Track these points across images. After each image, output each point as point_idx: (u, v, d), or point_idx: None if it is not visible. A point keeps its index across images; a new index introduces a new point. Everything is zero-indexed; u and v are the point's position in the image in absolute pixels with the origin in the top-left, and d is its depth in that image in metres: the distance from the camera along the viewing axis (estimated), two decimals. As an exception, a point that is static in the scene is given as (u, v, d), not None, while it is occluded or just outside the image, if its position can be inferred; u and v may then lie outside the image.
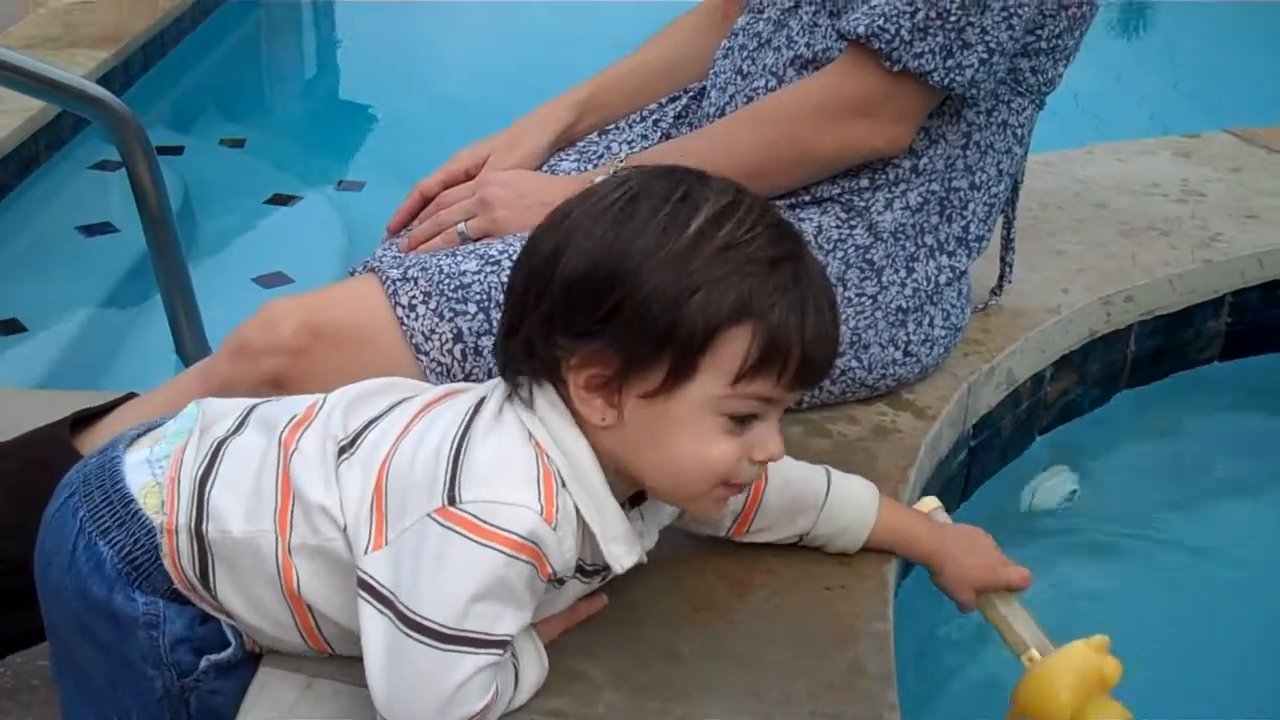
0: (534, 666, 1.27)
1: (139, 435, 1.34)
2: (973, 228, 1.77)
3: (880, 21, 1.57)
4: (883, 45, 1.58)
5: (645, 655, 1.35)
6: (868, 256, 1.71)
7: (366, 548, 1.19)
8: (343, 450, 1.25)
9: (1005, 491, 2.07)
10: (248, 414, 1.32)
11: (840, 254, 1.70)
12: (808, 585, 1.46)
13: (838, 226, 1.70)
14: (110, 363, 2.72)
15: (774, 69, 1.74)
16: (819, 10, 1.71)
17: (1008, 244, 1.95)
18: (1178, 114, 3.90)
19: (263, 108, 4.56)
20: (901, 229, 1.72)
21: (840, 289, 1.70)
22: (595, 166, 1.84)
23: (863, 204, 1.71)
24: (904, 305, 1.74)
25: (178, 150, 3.69)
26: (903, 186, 1.71)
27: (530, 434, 1.19)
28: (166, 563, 1.26)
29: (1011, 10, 1.59)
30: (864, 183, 1.71)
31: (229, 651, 1.29)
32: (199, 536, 1.25)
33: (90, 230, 3.24)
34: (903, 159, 1.70)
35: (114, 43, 4.12)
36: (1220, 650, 1.81)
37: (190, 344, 2.38)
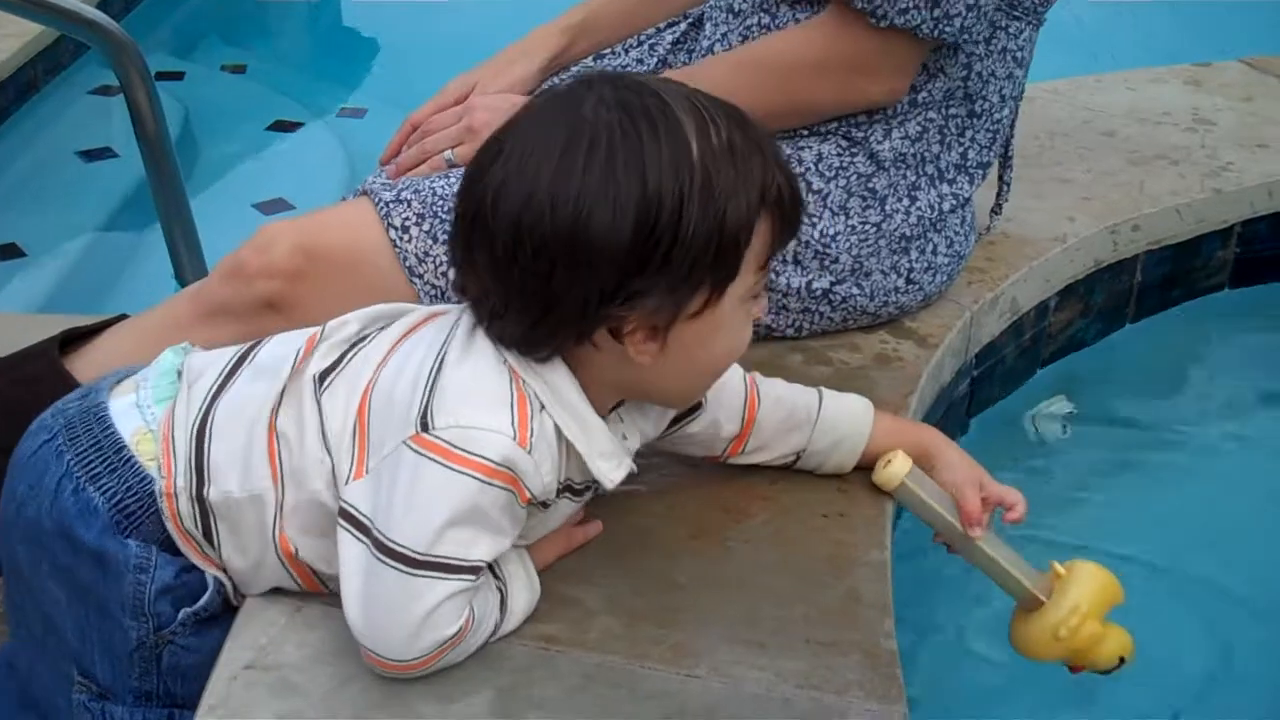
0: (524, 592, 1.27)
1: (119, 380, 1.32)
2: (972, 154, 1.75)
3: None
4: (865, 4, 1.55)
5: (640, 582, 1.35)
6: (870, 185, 1.69)
7: (348, 477, 1.19)
8: (323, 377, 1.24)
9: (1007, 421, 2.06)
10: (239, 360, 1.30)
11: (842, 181, 1.68)
12: (805, 513, 1.45)
13: (839, 155, 1.69)
14: (109, 288, 2.71)
15: (765, 5, 1.72)
16: None
17: (1006, 161, 1.93)
18: (1188, 43, 3.85)
19: (265, 34, 4.50)
20: (902, 158, 1.70)
21: (843, 217, 1.68)
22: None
23: (861, 135, 1.69)
24: (907, 233, 1.72)
25: (178, 76, 3.66)
26: (901, 118, 1.69)
27: (504, 358, 1.18)
28: (169, 524, 1.25)
29: None
30: (861, 117, 1.69)
31: (203, 600, 1.28)
32: (200, 499, 1.24)
33: (90, 155, 3.22)
34: None
35: (115, -35, 4.08)
36: (1226, 578, 1.81)
37: (189, 269, 2.37)
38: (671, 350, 1.18)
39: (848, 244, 1.68)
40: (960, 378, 1.91)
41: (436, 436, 1.14)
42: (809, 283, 1.69)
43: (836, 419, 1.46)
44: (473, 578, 1.18)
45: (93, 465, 1.25)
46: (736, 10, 1.77)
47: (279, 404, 1.24)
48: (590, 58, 1.92)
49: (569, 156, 1.12)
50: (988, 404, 2.04)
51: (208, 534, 1.25)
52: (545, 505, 1.24)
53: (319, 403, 1.22)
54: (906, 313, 1.80)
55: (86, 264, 2.79)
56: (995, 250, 2.01)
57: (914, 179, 1.72)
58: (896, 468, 1.44)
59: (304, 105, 3.55)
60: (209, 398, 1.26)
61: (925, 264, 1.76)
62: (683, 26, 1.91)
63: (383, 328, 1.28)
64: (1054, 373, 2.17)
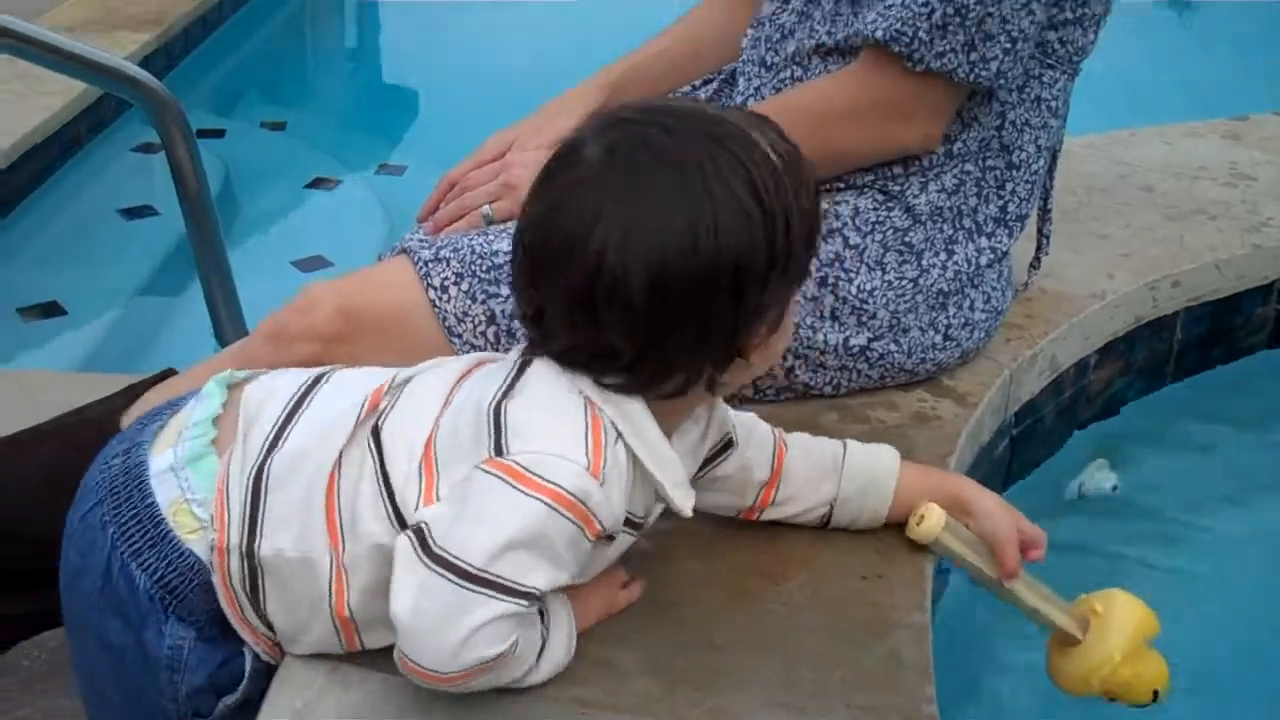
0: (562, 646, 1.26)
1: (161, 424, 1.32)
2: (1011, 207, 1.75)
3: (898, 25, 1.55)
4: (902, 48, 1.55)
5: (678, 644, 1.34)
6: (906, 239, 1.69)
7: (417, 504, 1.19)
8: (379, 422, 1.24)
9: (1047, 482, 2.05)
10: (297, 404, 1.28)
11: (879, 236, 1.68)
12: (843, 575, 1.44)
13: (875, 209, 1.69)
14: (149, 346, 2.72)
15: (798, 58, 1.73)
16: (840, 0, 1.69)
17: (1044, 215, 1.92)
18: (1224, 97, 3.84)
19: (304, 91, 4.56)
20: (939, 211, 1.70)
21: (880, 272, 1.68)
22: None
23: (898, 188, 1.69)
24: (944, 288, 1.71)
25: (219, 133, 3.70)
26: (936, 170, 1.69)
27: (579, 390, 1.18)
28: (216, 579, 1.25)
29: None
30: (897, 169, 1.69)
31: (242, 688, 1.28)
32: (249, 555, 1.23)
33: (131, 213, 3.26)
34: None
35: (156, 25, 4.13)
36: (1270, 646, 1.78)
37: (228, 328, 2.38)
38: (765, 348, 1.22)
39: (884, 299, 1.68)
40: (999, 437, 1.90)
41: (510, 460, 1.14)
42: (846, 339, 1.69)
43: (864, 464, 1.45)
44: (525, 604, 1.16)
45: (133, 539, 1.25)
46: (769, 64, 1.77)
47: (340, 461, 1.23)
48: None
49: (677, 189, 1.12)
50: (1028, 464, 2.03)
51: (254, 591, 1.25)
52: (611, 538, 1.23)
53: (378, 446, 1.22)
54: (944, 370, 1.79)
55: (126, 322, 2.81)
56: (1033, 306, 2.00)
57: (951, 233, 1.72)
58: (932, 522, 1.43)
59: (343, 162, 3.59)
60: (265, 449, 1.25)
61: (963, 320, 1.75)
62: (715, 83, 1.92)
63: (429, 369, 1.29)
64: (1094, 432, 2.15)
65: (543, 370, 1.20)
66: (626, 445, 1.18)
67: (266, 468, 1.24)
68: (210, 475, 1.26)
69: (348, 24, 5.60)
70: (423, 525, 1.16)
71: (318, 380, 1.31)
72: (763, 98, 1.76)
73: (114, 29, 4.07)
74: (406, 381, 1.27)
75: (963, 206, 1.72)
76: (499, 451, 1.15)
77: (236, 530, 1.23)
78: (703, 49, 1.96)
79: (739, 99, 1.82)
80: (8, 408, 1.82)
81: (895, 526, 1.48)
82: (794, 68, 1.74)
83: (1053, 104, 1.74)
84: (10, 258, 2.97)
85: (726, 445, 1.37)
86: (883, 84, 1.60)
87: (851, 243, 1.68)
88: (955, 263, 1.72)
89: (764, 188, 1.13)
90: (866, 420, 1.71)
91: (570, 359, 1.18)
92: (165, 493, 1.26)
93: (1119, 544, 1.96)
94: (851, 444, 1.46)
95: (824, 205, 1.65)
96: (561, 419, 1.17)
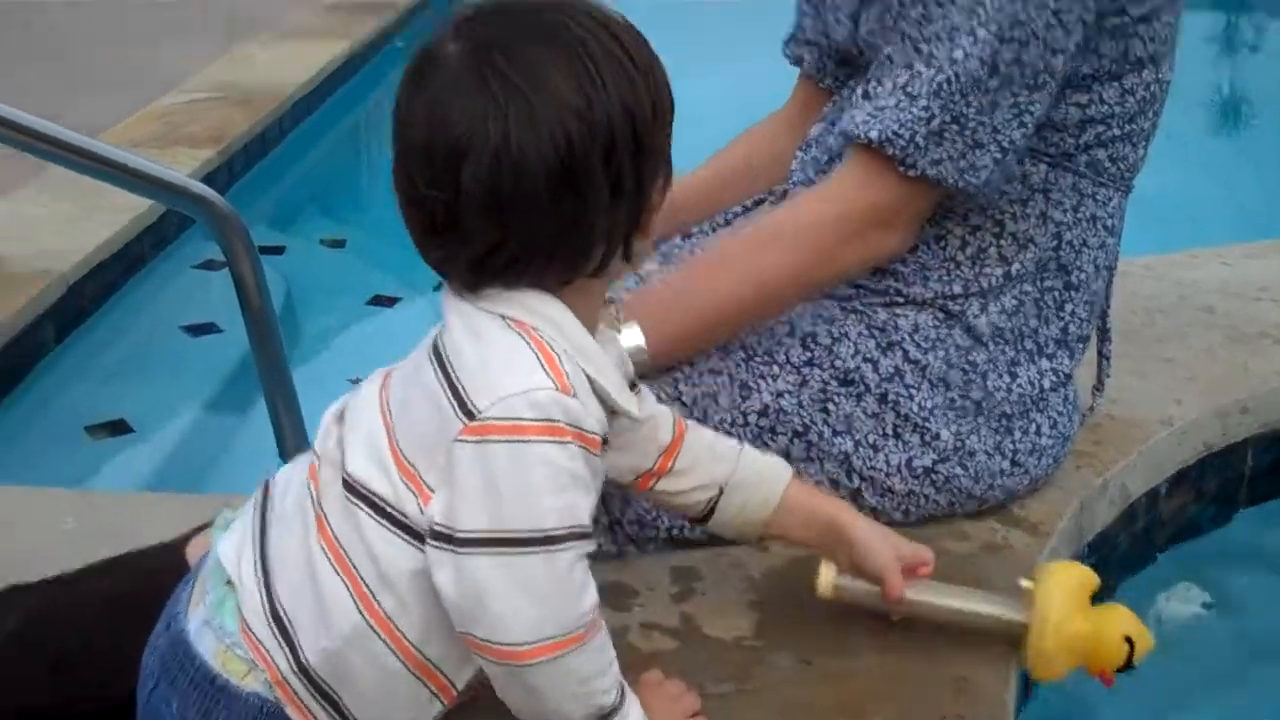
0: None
1: (191, 588, 1.32)
2: (1072, 328, 1.74)
3: (895, 127, 1.55)
4: (897, 152, 1.55)
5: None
6: (970, 358, 1.68)
7: (420, 508, 1.18)
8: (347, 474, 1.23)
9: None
10: (261, 528, 1.28)
11: (941, 353, 1.67)
12: (924, 713, 1.42)
13: (935, 326, 1.68)
14: (215, 463, 2.74)
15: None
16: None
17: (1104, 335, 1.91)
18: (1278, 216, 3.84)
19: (363, 208, 4.61)
20: (1000, 332, 1.70)
21: (943, 389, 1.67)
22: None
23: (958, 308, 1.69)
24: (1009, 411, 1.71)
25: (279, 250, 3.74)
26: (996, 291, 1.69)
27: (503, 317, 1.18)
28: (291, 711, 1.24)
29: (1022, 107, 1.56)
30: (957, 289, 1.69)
31: None
32: (304, 672, 1.23)
33: (194, 330, 3.29)
34: (994, 267, 1.69)
35: (216, 142, 4.20)
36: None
37: (292, 445, 2.39)
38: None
39: (946, 419, 1.67)
40: (1073, 567, 1.87)
41: (488, 418, 1.14)
42: (909, 459, 1.68)
43: (758, 459, 1.45)
44: (585, 541, 1.17)
45: (199, 704, 1.25)
46: (813, 179, 1.78)
47: (327, 527, 1.22)
48: (678, 237, 1.94)
49: (552, 56, 1.14)
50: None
51: (331, 702, 1.23)
52: (606, 442, 1.23)
53: (353, 485, 1.22)
54: (1014, 498, 1.78)
55: (192, 439, 2.83)
56: (1101, 432, 1.99)
57: (1013, 354, 1.71)
58: (824, 577, 1.46)
59: (402, 279, 3.61)
60: (260, 579, 1.25)
61: (1029, 445, 1.74)
62: (768, 203, 1.92)
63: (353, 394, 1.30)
64: (1169, 559, 2.12)
65: (462, 319, 1.19)
66: (570, 358, 1.19)
67: (274, 591, 1.24)
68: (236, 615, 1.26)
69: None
70: (437, 525, 1.15)
71: (266, 495, 1.32)
72: None
73: (174, 145, 4.14)
74: (342, 415, 1.28)
75: (1024, 328, 1.72)
76: (469, 415, 1.14)
77: (280, 657, 1.23)
78: (755, 169, 1.97)
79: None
80: (79, 530, 1.83)
81: (970, 659, 1.47)
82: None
83: (1108, 222, 1.74)
84: (77, 376, 2.99)
85: (632, 385, 1.35)
86: (875, 189, 1.59)
87: (912, 357, 1.67)
88: (1019, 385, 1.72)
89: (630, 42, 1.16)
90: (935, 550, 1.69)
91: (486, 265, 1.17)
92: (208, 647, 1.26)
93: (1206, 665, 1.93)
94: (746, 445, 1.47)
95: (883, 316, 1.65)
96: (509, 354, 1.16)
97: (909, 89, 1.54)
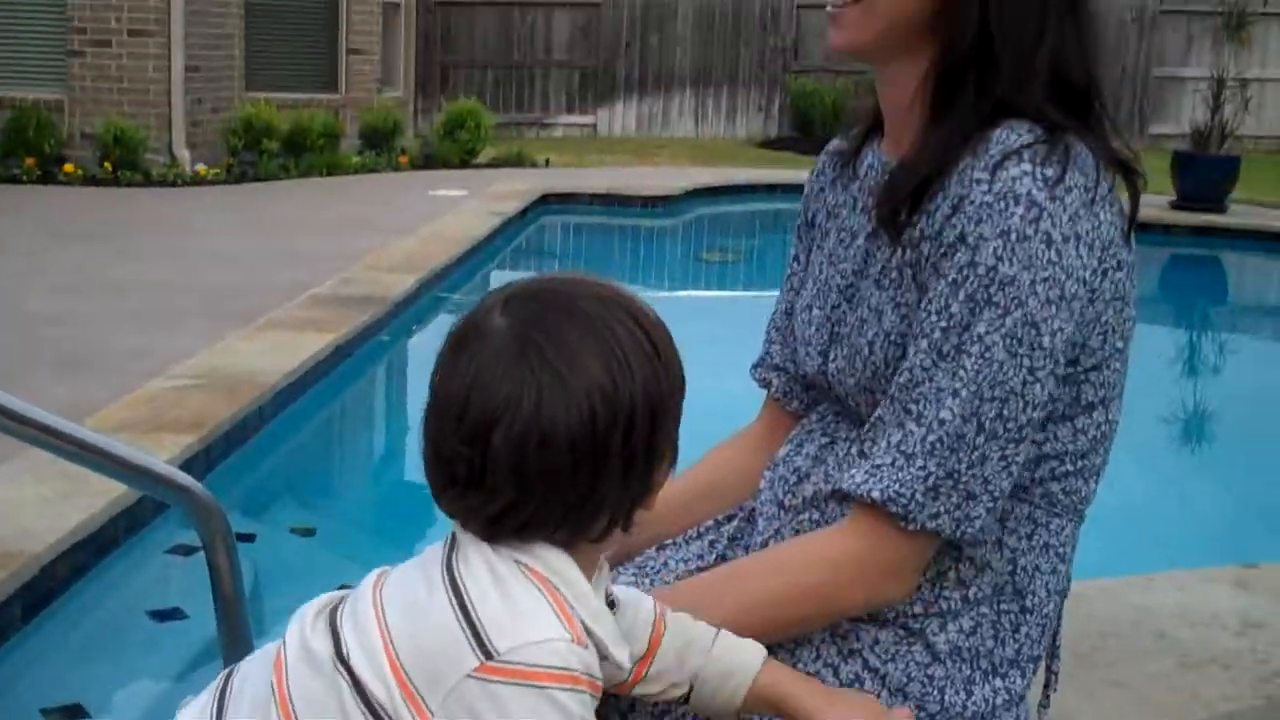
0: None
1: None
2: (1025, 649, 1.78)
3: (895, 487, 1.62)
4: (899, 509, 1.63)
5: None
6: (929, 672, 1.71)
7: None
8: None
9: None
10: (221, 702, 1.32)
11: (901, 665, 1.70)
12: None
13: (895, 642, 1.72)
14: (169, 754, 2.72)
15: (815, 501, 1.80)
16: (853, 446, 1.78)
17: (1053, 652, 1.95)
18: (1241, 535, 3.91)
19: (334, 496, 4.68)
20: (958, 650, 1.73)
21: (900, 699, 1.70)
22: (652, 583, 1.88)
23: (918, 626, 1.73)
24: (964, 729, 1.73)
25: (249, 538, 3.78)
26: (955, 613, 1.73)
27: (519, 564, 1.24)
28: None
29: (1009, 458, 1.64)
30: (918, 609, 1.73)
31: None
32: None
33: (160, 615, 3.30)
34: (953, 590, 1.73)
35: (198, 428, 4.29)
36: None
37: (252, 736, 2.38)
38: None
39: (905, 732, 1.69)
40: None
41: (505, 661, 1.18)
42: None
43: (731, 649, 1.50)
44: None
45: None
46: (786, 506, 1.85)
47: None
48: (653, 548, 2.00)
49: (585, 340, 1.24)
50: None
51: None
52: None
53: (351, 675, 1.24)
54: (967, 815, 1.78)
55: (148, 726, 2.82)
56: (1050, 755, 2.01)
57: (969, 672, 1.75)
58: None
59: (369, 568, 3.64)
60: None
61: (981, 761, 1.76)
62: (736, 521, 1.98)
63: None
64: None
65: (482, 557, 1.24)
66: (577, 612, 1.24)
67: None
68: None
69: (376, 431, 5.79)
70: None
71: (228, 673, 1.35)
72: (783, 537, 1.82)
73: (158, 430, 4.23)
74: (332, 611, 1.32)
75: (980, 648, 1.76)
76: (488, 654, 1.19)
77: None
78: (725, 486, 2.04)
79: (759, 538, 1.88)
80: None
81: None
82: (812, 510, 1.81)
83: (1061, 550, 1.80)
84: (39, 657, 2.99)
85: (611, 605, 1.39)
86: (884, 547, 1.65)
87: (871, 665, 1.70)
88: (974, 702, 1.75)
89: (657, 336, 1.28)
90: None
91: (502, 522, 1.24)
92: None
93: None
94: (723, 631, 1.52)
95: (845, 626, 1.70)
96: (529, 604, 1.21)
97: (903, 448, 1.62)
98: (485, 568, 1.25)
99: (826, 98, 18.69)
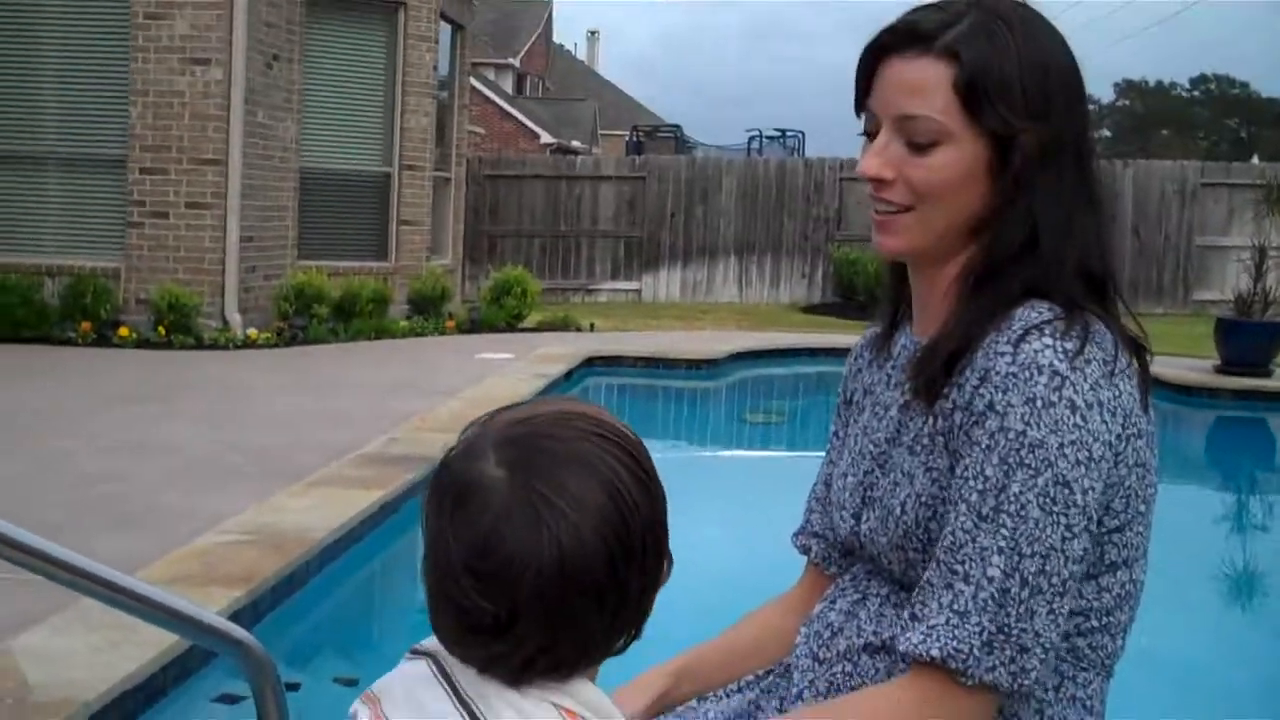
0: None
1: None
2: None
3: (953, 644, 1.67)
4: (957, 665, 1.68)
5: None
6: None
7: None
8: None
9: None
10: None
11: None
12: None
13: None
14: None
15: (848, 654, 1.86)
16: (884, 602, 1.85)
17: None
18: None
19: (377, 647, 4.72)
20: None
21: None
22: (693, 731, 1.94)
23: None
24: None
25: (294, 686, 3.83)
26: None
27: (555, 706, 1.28)
28: None
29: (1056, 610, 1.69)
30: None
31: None
32: None
33: (207, 762, 3.34)
34: None
35: (247, 582, 4.37)
36: None
37: None
38: None
39: None
40: None
41: None
42: None
43: None
44: None
45: None
46: (820, 659, 1.90)
47: None
48: (695, 700, 2.05)
49: (588, 477, 1.28)
50: None
51: None
52: None
53: None
54: None
55: None
56: None
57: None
58: None
59: (410, 719, 3.68)
60: None
61: None
62: (771, 676, 2.03)
63: None
64: None
65: (513, 708, 1.27)
66: None
67: None
68: None
69: (417, 586, 5.83)
70: None
71: None
72: (817, 690, 1.87)
73: (209, 584, 4.31)
74: None
75: (1013, 797, 1.78)
76: None
77: None
78: (761, 646, 2.10)
79: (794, 690, 1.93)
80: None
81: None
82: (845, 663, 1.86)
83: (1088, 703, 1.83)
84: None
85: None
86: (941, 704, 1.69)
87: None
88: None
89: (645, 462, 1.33)
90: None
91: (535, 664, 1.27)
92: None
93: None
94: None
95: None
96: None
97: (955, 606, 1.68)
98: (515, 715, 1.29)
99: (869, 265, 18.94)
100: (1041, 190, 1.72)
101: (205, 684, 3.75)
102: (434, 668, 1.34)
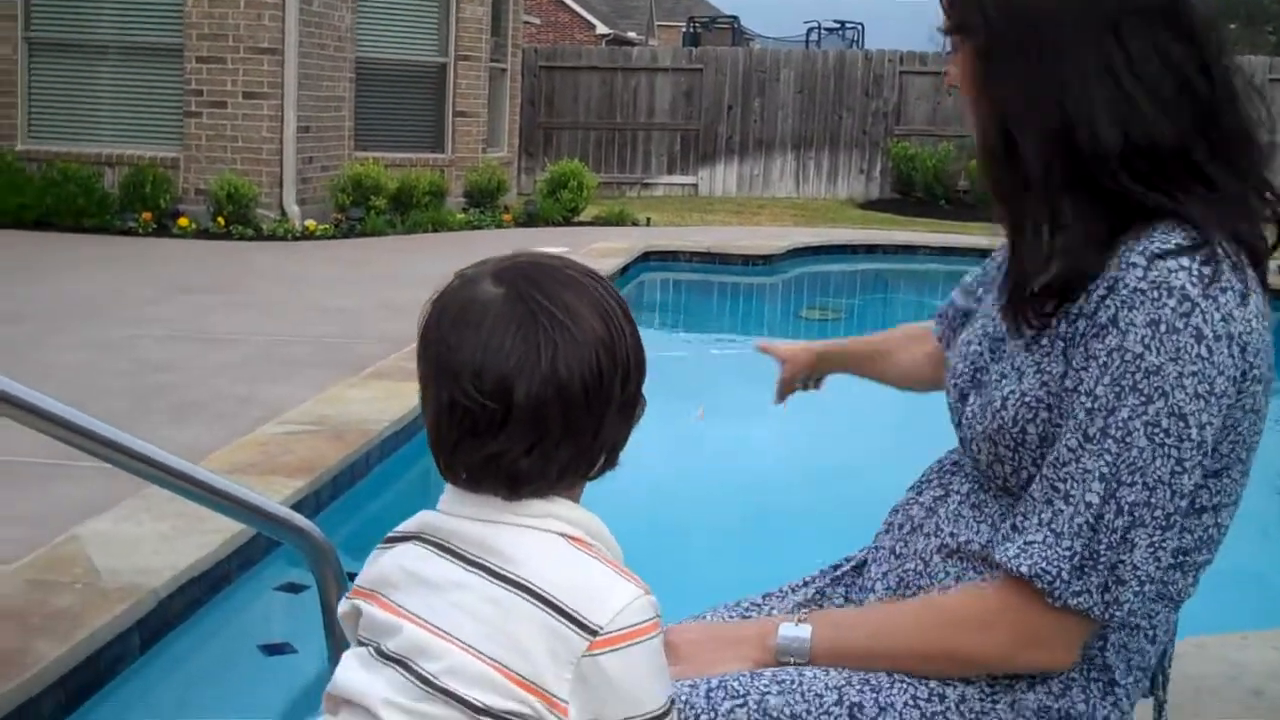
0: None
1: None
2: (1114, 716, 1.78)
3: (1042, 564, 1.65)
4: (1044, 585, 1.66)
5: None
6: (1008, 733, 1.74)
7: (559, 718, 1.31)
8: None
9: None
10: None
11: (979, 726, 1.73)
12: None
13: (981, 699, 1.73)
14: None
15: (923, 554, 1.85)
16: (963, 501, 1.83)
17: (1160, 710, 1.95)
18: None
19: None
20: (1045, 710, 1.74)
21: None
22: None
23: (1006, 681, 1.74)
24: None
25: (354, 576, 3.87)
26: (1045, 677, 1.75)
27: (563, 536, 1.36)
28: None
29: (1157, 544, 1.66)
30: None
31: None
32: None
33: (270, 650, 3.39)
34: None
35: (308, 472, 4.42)
36: None
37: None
38: None
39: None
40: None
41: (612, 631, 1.31)
42: None
43: None
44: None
45: None
46: (898, 554, 1.88)
47: None
48: (759, 596, 2.04)
49: (583, 298, 1.37)
50: None
51: None
52: None
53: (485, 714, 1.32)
54: None
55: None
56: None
57: (1057, 737, 1.76)
58: None
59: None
60: None
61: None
62: (847, 567, 2.02)
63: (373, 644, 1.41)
64: None
65: (523, 548, 1.35)
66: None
67: None
68: None
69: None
70: None
71: None
72: (889, 584, 1.86)
73: (270, 474, 4.36)
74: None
75: (1071, 710, 1.77)
76: (592, 632, 1.30)
77: None
78: (894, 356, 2.31)
79: (870, 583, 1.92)
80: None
81: None
82: (918, 561, 1.84)
83: (1150, 633, 1.81)
84: (154, 685, 3.09)
85: None
86: (1023, 614, 1.67)
87: (956, 722, 1.73)
88: (1060, 761, 1.76)
89: (625, 303, 1.42)
90: None
91: (523, 469, 1.34)
92: None
93: None
94: None
95: (932, 684, 1.73)
96: (594, 574, 1.34)
97: (1054, 526, 1.65)
98: (539, 555, 1.35)
99: (928, 161, 18.72)
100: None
101: (268, 573, 3.80)
102: (427, 546, 1.42)
